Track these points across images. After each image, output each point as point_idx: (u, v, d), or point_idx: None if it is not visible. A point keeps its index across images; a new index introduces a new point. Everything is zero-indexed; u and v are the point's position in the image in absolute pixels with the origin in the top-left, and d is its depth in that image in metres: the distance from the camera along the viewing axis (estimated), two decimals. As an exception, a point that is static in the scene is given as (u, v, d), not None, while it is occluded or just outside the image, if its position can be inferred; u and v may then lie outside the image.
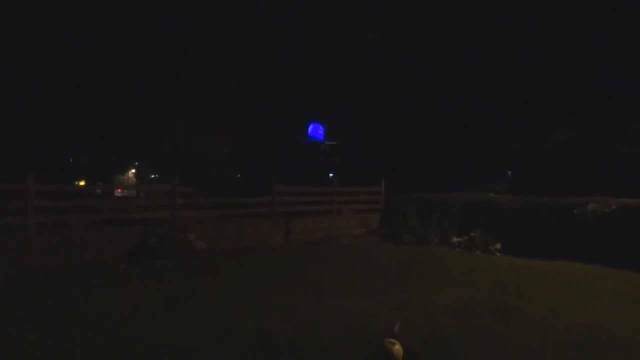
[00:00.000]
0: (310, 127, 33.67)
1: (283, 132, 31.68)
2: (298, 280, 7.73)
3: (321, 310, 5.90)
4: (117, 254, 8.87)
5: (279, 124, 30.54)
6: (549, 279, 8.03)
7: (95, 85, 23.66)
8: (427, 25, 26.21)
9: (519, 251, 10.53)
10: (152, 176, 34.40)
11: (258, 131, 28.83)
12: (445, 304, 6.30)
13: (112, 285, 7.14)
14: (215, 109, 25.50)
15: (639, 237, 9.18)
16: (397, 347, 4.26)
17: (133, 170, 41.99)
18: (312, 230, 12.75)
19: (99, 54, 23.19)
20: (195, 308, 5.94)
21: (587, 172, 17.11)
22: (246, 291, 6.90)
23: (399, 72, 27.61)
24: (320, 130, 33.96)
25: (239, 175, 38.08)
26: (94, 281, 7.38)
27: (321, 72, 29.05)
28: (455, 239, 11.88)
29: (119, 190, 28.97)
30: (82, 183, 26.97)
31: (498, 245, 11.08)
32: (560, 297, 6.77)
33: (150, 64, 25.60)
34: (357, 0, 28.59)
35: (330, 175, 33.45)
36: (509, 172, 29.51)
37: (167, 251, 9.07)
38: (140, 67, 25.34)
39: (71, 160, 29.06)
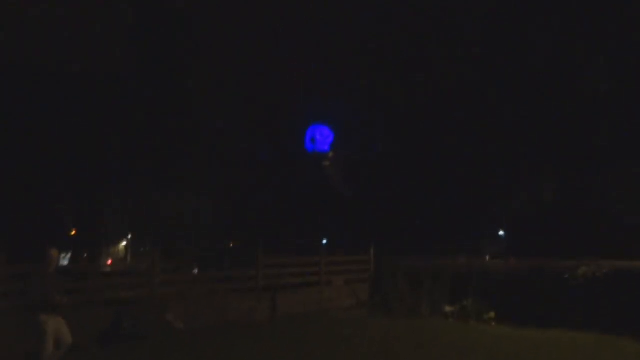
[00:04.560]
0: (311, 133, 25.09)
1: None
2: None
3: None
4: (88, 338, 8.34)
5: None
6: (546, 352, 7.59)
7: (76, 152, 23.66)
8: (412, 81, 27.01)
9: (513, 318, 10.13)
10: (142, 249, 33.79)
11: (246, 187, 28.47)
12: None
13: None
14: (202, 175, 25.51)
15: (632, 300, 8.84)
16: None
17: (124, 243, 41.24)
18: (300, 304, 12.24)
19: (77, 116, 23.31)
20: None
21: (576, 231, 16.96)
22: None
23: (398, 135, 28.06)
24: (323, 136, 25.45)
25: (231, 245, 37.46)
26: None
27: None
28: (447, 308, 11.44)
29: (109, 262, 28.31)
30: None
31: (492, 314, 10.66)
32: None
33: (138, 130, 25.78)
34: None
35: (324, 242, 32.84)
36: (502, 233, 29.32)
37: (142, 333, 8.56)
38: (130, 133, 25.53)
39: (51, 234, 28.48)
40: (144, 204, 25.57)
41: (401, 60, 26.82)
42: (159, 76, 26.94)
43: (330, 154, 28.10)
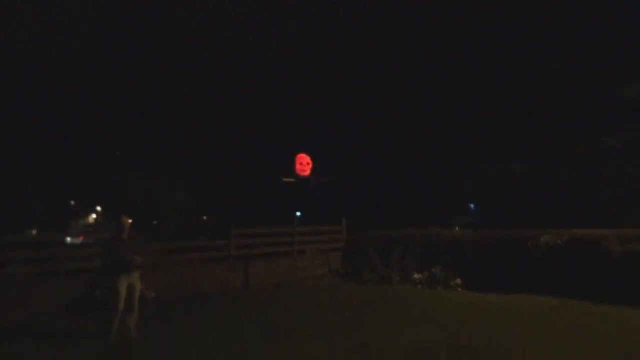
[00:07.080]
0: (296, 162, 28.41)
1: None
2: (254, 328, 7.39)
3: (276, 358, 5.60)
4: (60, 308, 8.29)
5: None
6: (508, 315, 7.94)
7: (52, 125, 23.19)
8: (387, 66, 27.07)
9: (479, 285, 10.48)
10: (113, 222, 33.42)
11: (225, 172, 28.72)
12: (404, 344, 6.10)
13: (46, 346, 6.61)
14: (174, 154, 25.35)
15: (590, 267, 9.26)
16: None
17: (94, 216, 40.60)
18: (273, 273, 12.36)
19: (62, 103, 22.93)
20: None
21: (543, 204, 17.48)
22: (195, 342, 6.52)
23: (366, 114, 28.17)
24: (304, 165, 28.41)
25: (205, 218, 37.33)
26: (24, 342, 6.83)
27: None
28: (416, 276, 11.74)
29: (81, 238, 27.81)
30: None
31: (459, 281, 10.99)
32: (519, 333, 6.67)
33: (115, 111, 25.40)
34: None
35: (298, 214, 33.07)
36: (472, 206, 30.02)
37: (113, 302, 8.51)
38: (102, 112, 25.05)
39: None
40: (115, 180, 25.21)
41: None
42: (134, 60, 26.52)
43: (311, 179, 30.25)
